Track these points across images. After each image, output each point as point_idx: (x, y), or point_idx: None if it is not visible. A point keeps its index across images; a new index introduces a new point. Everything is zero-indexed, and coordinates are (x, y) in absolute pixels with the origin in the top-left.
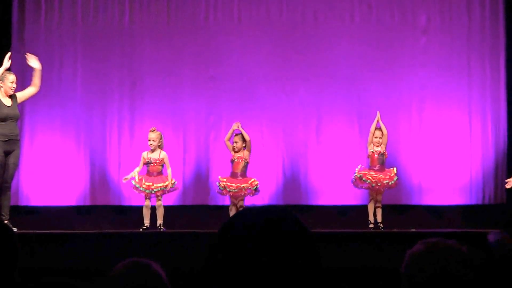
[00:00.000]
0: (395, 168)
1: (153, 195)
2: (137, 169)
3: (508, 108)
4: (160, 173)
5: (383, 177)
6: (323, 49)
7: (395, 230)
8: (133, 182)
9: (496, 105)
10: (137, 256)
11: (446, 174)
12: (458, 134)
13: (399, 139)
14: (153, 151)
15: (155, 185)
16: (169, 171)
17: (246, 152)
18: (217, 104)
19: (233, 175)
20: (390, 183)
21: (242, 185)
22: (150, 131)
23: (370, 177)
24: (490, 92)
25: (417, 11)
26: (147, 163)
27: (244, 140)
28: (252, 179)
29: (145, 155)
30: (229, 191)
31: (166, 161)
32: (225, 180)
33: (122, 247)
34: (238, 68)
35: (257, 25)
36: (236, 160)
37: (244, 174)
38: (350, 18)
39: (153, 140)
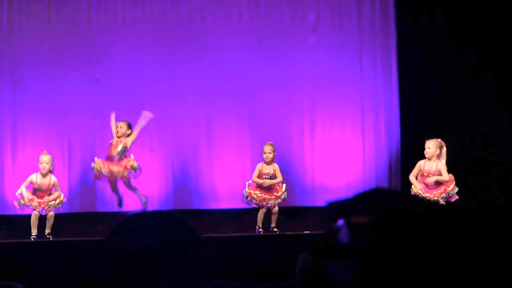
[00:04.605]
0: (284, 185)
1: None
2: (23, 187)
3: (400, 108)
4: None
5: (268, 197)
6: (211, 49)
7: (288, 232)
8: (22, 202)
9: (389, 105)
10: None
11: (340, 174)
12: (351, 134)
13: (292, 139)
14: (44, 175)
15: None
16: (57, 194)
17: (129, 139)
18: (102, 107)
19: (109, 158)
20: (276, 202)
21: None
22: (43, 154)
23: (255, 197)
24: (382, 91)
25: (307, 8)
26: (35, 190)
27: (129, 127)
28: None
29: (34, 179)
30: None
31: (57, 186)
32: (100, 162)
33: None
34: (124, 69)
35: (142, 25)
36: (114, 142)
37: (121, 158)
38: (238, 16)
39: (46, 163)
